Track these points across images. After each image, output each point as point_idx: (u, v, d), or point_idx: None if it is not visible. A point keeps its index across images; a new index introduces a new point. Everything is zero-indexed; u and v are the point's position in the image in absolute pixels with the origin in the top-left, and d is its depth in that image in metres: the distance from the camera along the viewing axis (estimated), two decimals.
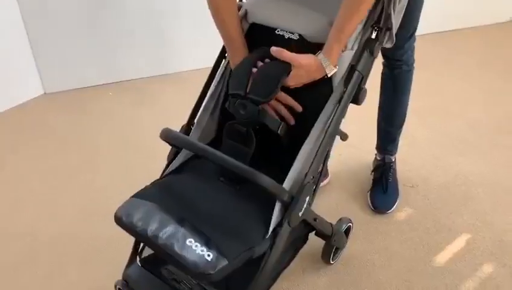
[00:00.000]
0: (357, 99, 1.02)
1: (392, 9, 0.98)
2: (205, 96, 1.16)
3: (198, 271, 0.84)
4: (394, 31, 1.03)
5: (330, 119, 0.98)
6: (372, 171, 1.69)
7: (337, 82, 1.00)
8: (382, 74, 1.55)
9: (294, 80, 0.99)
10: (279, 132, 1.01)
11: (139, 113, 2.20)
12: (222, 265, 0.85)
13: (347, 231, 1.38)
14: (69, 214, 1.64)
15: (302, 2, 1.07)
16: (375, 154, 1.73)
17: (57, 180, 1.80)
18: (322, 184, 1.70)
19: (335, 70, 0.98)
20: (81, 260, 1.44)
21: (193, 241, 0.88)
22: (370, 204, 1.62)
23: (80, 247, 1.48)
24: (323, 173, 1.58)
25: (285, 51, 0.98)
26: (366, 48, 1.00)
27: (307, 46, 1.02)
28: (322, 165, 1.05)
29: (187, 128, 1.15)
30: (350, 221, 1.38)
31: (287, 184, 0.95)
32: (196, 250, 0.86)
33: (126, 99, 2.33)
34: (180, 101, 2.21)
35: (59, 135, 2.09)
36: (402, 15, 1.08)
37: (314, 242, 1.24)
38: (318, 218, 1.12)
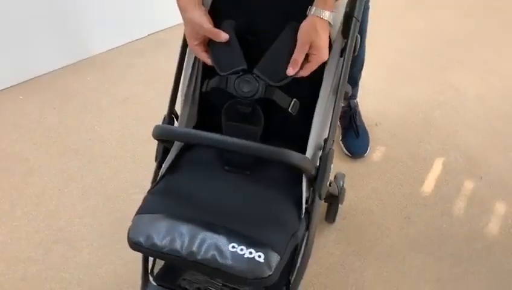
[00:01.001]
0: (355, 49, 0.90)
1: None
2: (179, 81, 0.98)
3: (255, 277, 0.73)
4: None
5: (338, 76, 0.88)
6: (340, 119, 1.66)
7: (335, 34, 0.89)
8: None
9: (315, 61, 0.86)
10: (290, 109, 0.90)
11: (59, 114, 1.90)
12: (277, 262, 0.75)
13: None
14: None
15: None
16: None
17: None
18: None
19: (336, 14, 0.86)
20: None
21: (236, 245, 0.75)
22: (346, 151, 1.60)
23: None
24: None
25: None
26: None
27: (297, 1, 0.88)
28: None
29: (169, 119, 0.98)
30: (343, 174, 1.33)
31: (308, 155, 0.86)
32: (244, 254, 0.74)
33: (39, 100, 1.98)
34: (103, 90, 1.99)
35: None
36: None
37: None
38: (331, 182, 1.05)
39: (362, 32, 1.47)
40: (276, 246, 0.76)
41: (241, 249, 0.74)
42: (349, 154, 1.59)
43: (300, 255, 0.87)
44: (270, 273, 0.73)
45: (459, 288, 1.21)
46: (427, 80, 1.98)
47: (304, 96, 0.91)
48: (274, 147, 0.76)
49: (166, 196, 0.87)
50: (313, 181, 0.86)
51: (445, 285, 1.21)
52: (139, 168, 1.54)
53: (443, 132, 1.70)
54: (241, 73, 0.88)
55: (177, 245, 0.75)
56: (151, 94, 1.86)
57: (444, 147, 1.63)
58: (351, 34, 0.87)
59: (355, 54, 0.91)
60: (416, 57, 2.12)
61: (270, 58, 0.88)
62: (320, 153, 0.88)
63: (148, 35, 2.29)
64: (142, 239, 0.77)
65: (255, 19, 0.93)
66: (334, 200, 1.24)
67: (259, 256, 0.74)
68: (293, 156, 0.76)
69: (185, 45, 0.97)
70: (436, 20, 2.46)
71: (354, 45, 0.88)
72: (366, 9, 1.39)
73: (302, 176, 0.86)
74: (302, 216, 0.85)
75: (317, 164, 0.87)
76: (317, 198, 0.86)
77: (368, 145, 1.61)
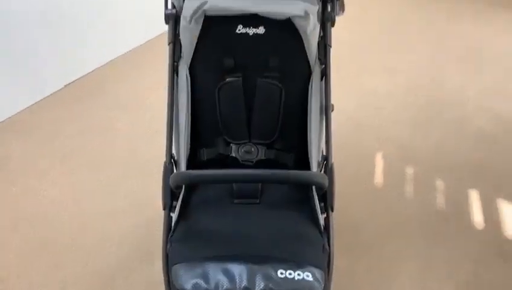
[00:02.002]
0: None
1: None
2: (172, 126, 1.00)
3: None
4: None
5: (323, 97, 1.00)
6: None
7: (313, 61, 1.01)
8: None
9: None
10: (288, 163, 1.03)
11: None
12: (322, 276, 0.81)
13: None
14: None
15: None
16: None
17: None
18: None
19: None
20: None
21: (283, 271, 0.79)
22: None
23: None
24: None
25: None
26: (327, 20, 1.02)
27: (277, 36, 0.98)
28: None
29: (170, 165, 0.98)
30: None
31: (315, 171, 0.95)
32: (294, 277, 0.79)
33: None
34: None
35: None
36: None
37: None
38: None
39: None
40: (316, 263, 0.82)
41: (290, 274, 0.79)
42: None
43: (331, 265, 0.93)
44: (321, 288, 0.79)
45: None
46: (348, 87, 2.21)
47: (291, 116, 1.02)
48: (297, 171, 0.87)
49: (191, 240, 0.88)
50: (323, 196, 0.94)
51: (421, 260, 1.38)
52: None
53: (373, 129, 1.92)
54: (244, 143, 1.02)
55: (230, 286, 0.77)
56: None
57: (377, 142, 1.84)
58: (328, 59, 1.00)
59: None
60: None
61: (258, 124, 1.01)
62: (318, 169, 0.97)
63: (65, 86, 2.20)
64: (189, 287, 0.77)
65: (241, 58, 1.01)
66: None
67: (308, 276, 0.79)
68: (317, 176, 0.87)
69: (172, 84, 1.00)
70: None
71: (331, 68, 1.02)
72: None
73: (306, 194, 0.93)
74: (323, 229, 0.92)
75: None
76: (329, 210, 0.93)
77: None
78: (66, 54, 2.16)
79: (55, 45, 2.09)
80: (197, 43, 0.98)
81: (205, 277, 0.78)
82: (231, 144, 1.03)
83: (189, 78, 1.00)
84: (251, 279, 0.78)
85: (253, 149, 1.02)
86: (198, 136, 1.03)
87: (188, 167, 0.99)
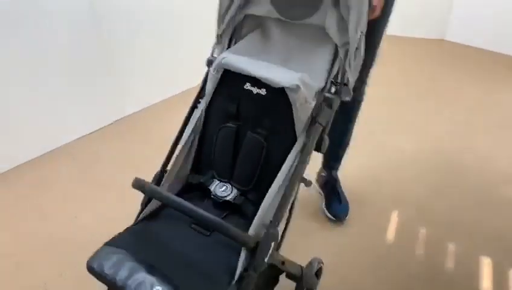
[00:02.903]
0: (319, 147, 1.08)
1: (348, 66, 1.06)
2: (177, 145, 1.17)
3: None
4: (351, 86, 1.10)
5: (293, 167, 1.02)
6: (322, 188, 1.86)
7: (300, 132, 1.06)
8: None
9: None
10: (250, 216, 1.05)
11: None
12: None
13: (319, 272, 1.36)
14: None
15: (275, 60, 1.12)
16: (318, 173, 1.90)
17: None
18: None
19: None
20: None
21: (160, 288, 0.89)
22: (331, 216, 1.76)
23: None
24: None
25: None
26: (326, 101, 1.06)
27: (274, 100, 1.07)
28: (289, 212, 1.16)
29: (160, 175, 1.15)
30: (321, 261, 1.35)
31: (252, 231, 0.98)
32: None
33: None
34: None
35: None
36: (358, 72, 1.12)
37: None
38: (286, 261, 1.14)
39: (353, 119, 1.70)
40: None
41: None
42: (333, 218, 1.75)
43: None
44: None
45: None
46: (373, 143, 2.28)
47: (263, 176, 1.10)
48: (215, 218, 0.93)
49: (135, 236, 1.04)
50: (252, 254, 0.96)
51: None
52: None
53: (392, 187, 1.96)
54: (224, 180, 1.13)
55: (117, 276, 0.92)
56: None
57: (395, 201, 1.87)
58: (312, 135, 1.04)
59: (321, 152, 1.09)
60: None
61: (239, 170, 1.11)
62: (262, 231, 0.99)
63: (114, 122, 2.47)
64: (95, 265, 0.95)
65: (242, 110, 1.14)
66: (297, 282, 1.24)
67: None
68: (243, 236, 0.93)
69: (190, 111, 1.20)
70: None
71: (314, 143, 1.05)
72: (359, 101, 1.63)
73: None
74: (233, 282, 0.94)
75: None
76: (251, 270, 0.94)
77: (348, 211, 1.78)
78: (116, 93, 2.46)
79: (111, 83, 2.40)
80: (215, 89, 1.15)
81: (109, 262, 0.94)
82: (215, 179, 1.15)
83: (203, 113, 1.18)
84: (133, 280, 0.90)
85: (228, 189, 1.11)
86: (196, 162, 1.19)
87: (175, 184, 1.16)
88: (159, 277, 0.90)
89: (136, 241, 1.01)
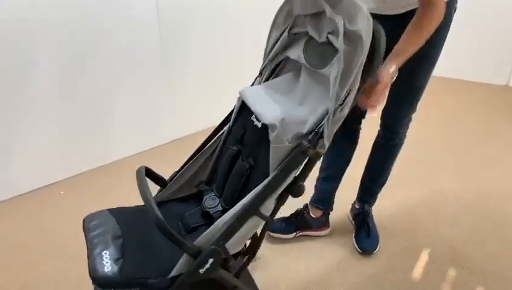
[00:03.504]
0: (291, 191, 1.06)
1: (326, 118, 0.99)
2: (197, 154, 1.36)
3: (92, 275, 0.99)
4: (326, 140, 1.00)
5: (251, 199, 1.03)
6: (353, 219, 1.94)
7: (272, 169, 1.05)
8: (375, 141, 1.75)
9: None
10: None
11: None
12: (110, 278, 0.99)
13: None
14: None
15: (294, 99, 1.17)
16: (353, 204, 1.97)
17: None
18: (322, 233, 1.91)
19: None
20: None
21: (108, 253, 1.04)
22: (357, 247, 1.83)
23: None
24: (322, 224, 1.83)
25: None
26: (300, 147, 1.01)
27: (264, 134, 1.10)
28: (253, 242, 1.25)
29: (173, 176, 1.34)
30: None
31: (197, 241, 1.02)
32: (104, 260, 1.02)
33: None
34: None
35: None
36: (338, 125, 1.03)
37: None
38: (239, 287, 1.13)
39: (392, 159, 1.77)
40: (122, 272, 1.00)
41: (106, 257, 1.03)
42: (359, 250, 1.81)
43: None
44: (101, 280, 0.99)
45: None
46: (416, 182, 2.30)
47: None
48: (180, 238, 0.98)
49: (132, 213, 1.24)
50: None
51: None
52: None
53: (429, 225, 1.97)
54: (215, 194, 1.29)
55: (92, 233, 1.11)
56: None
57: (428, 239, 1.89)
58: (276, 177, 1.03)
59: (294, 196, 1.06)
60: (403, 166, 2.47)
61: (227, 190, 1.24)
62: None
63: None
64: (87, 219, 1.16)
65: (245, 137, 1.27)
66: None
67: (107, 268, 1.00)
68: (189, 247, 0.98)
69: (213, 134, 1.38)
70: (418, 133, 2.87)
71: (278, 186, 1.03)
72: (400, 144, 1.72)
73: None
74: (168, 276, 1.01)
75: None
76: (184, 275, 1.01)
77: (377, 245, 1.83)
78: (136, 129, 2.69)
79: (130, 119, 2.63)
80: (236, 114, 1.32)
81: (96, 221, 1.15)
82: (212, 192, 1.30)
83: (226, 131, 1.35)
84: (97, 235, 1.10)
85: (215, 203, 1.25)
86: (212, 173, 1.36)
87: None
88: (117, 245, 1.07)
89: (126, 215, 1.20)
